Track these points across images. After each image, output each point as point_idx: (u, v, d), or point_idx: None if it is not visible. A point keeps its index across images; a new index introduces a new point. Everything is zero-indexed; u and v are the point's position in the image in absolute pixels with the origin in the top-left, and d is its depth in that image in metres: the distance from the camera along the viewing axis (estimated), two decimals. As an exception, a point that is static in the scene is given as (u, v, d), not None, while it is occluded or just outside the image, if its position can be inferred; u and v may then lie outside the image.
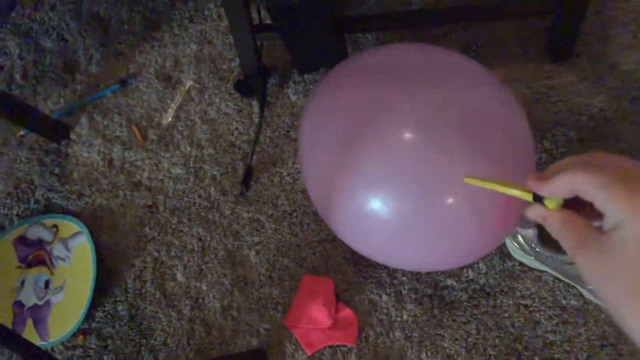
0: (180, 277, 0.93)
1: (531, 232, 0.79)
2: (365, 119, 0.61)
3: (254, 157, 0.98)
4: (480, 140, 0.59)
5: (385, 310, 0.87)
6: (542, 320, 0.83)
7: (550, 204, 0.38)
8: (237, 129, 1.01)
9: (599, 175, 0.34)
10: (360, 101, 0.63)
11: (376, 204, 0.60)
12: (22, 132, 1.07)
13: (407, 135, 0.59)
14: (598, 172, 0.34)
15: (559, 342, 0.82)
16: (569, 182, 0.36)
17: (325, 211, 0.70)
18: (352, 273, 0.89)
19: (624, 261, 0.32)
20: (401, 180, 0.59)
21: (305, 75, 1.03)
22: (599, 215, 0.35)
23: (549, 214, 0.38)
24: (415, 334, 0.85)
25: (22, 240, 0.99)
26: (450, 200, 0.59)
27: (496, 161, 0.59)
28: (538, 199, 0.39)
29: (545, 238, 0.79)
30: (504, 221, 0.63)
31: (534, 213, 0.40)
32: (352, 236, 0.69)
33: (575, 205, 0.38)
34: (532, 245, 0.80)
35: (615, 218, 0.33)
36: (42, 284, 0.96)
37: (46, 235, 0.98)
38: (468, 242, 0.64)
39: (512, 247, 0.84)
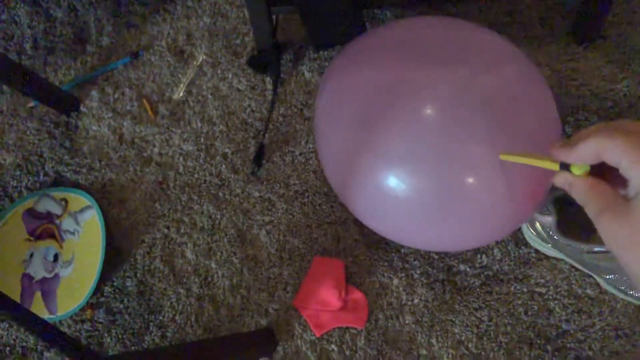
0: (189, 254, 0.92)
1: (549, 220, 0.77)
2: (385, 96, 0.59)
3: (266, 136, 0.96)
4: (505, 118, 0.57)
5: (395, 294, 0.85)
6: (556, 309, 0.82)
7: (577, 170, 0.39)
8: (249, 106, 0.99)
9: (624, 140, 0.34)
10: (379, 77, 0.60)
11: (397, 182, 0.59)
12: (31, 104, 1.06)
13: (430, 113, 0.57)
14: (623, 137, 0.34)
15: (572, 331, 0.81)
16: (595, 147, 0.36)
17: (342, 190, 0.68)
18: (364, 255, 0.88)
19: None
20: (423, 158, 0.58)
21: (321, 52, 1.00)
22: (624, 183, 0.35)
23: (575, 181, 0.39)
24: (426, 319, 0.84)
25: (31, 213, 0.98)
26: (473, 178, 0.57)
27: (522, 139, 0.57)
28: (565, 167, 0.40)
29: (564, 226, 0.77)
30: (529, 199, 0.62)
31: (561, 180, 0.40)
32: (371, 216, 0.67)
33: (601, 174, 0.38)
34: (550, 232, 0.78)
35: (639, 183, 0.33)
36: (51, 258, 0.95)
37: (55, 209, 0.97)
38: (490, 221, 0.62)
39: (529, 234, 0.82)
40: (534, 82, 0.62)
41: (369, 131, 0.59)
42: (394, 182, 0.59)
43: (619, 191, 0.37)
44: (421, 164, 0.58)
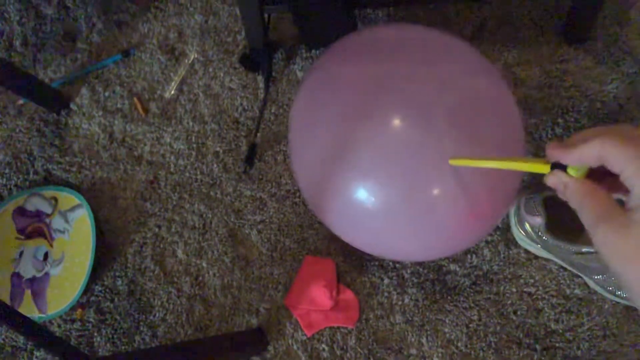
0: (180, 253, 0.92)
1: (539, 220, 0.77)
2: (353, 109, 0.59)
3: (258, 135, 0.96)
4: (471, 131, 0.57)
5: (386, 294, 0.86)
6: (545, 309, 0.83)
7: (575, 171, 0.37)
8: (241, 104, 0.99)
9: (631, 148, 0.32)
10: (348, 90, 0.60)
11: (365, 194, 0.59)
12: (21, 101, 1.05)
13: (398, 123, 0.57)
14: (630, 144, 0.33)
15: (561, 331, 0.81)
16: (598, 150, 0.34)
17: (313, 199, 0.68)
18: (355, 255, 0.88)
19: None
20: (390, 169, 0.58)
21: (313, 52, 1.00)
22: (620, 188, 0.34)
23: (571, 182, 0.37)
24: (416, 318, 0.84)
25: (20, 212, 0.98)
26: (441, 188, 0.57)
27: (486, 148, 0.57)
28: (559, 167, 0.38)
29: (553, 227, 0.77)
30: (495, 206, 0.62)
31: (555, 180, 0.38)
32: (340, 226, 0.67)
33: (595, 177, 0.36)
34: (540, 233, 0.78)
35: None
36: (40, 256, 0.95)
37: (45, 207, 0.97)
38: (459, 230, 0.63)
39: (519, 234, 0.83)
40: (501, 96, 0.62)
41: (339, 144, 0.59)
42: (362, 193, 0.59)
43: (613, 195, 0.36)
44: (387, 176, 0.58)
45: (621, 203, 0.34)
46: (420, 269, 0.86)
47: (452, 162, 0.54)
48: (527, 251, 0.84)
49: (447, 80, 0.58)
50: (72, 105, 1.03)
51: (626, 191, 0.34)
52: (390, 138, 0.57)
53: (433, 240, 0.63)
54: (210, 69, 1.02)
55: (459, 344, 0.83)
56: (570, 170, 0.37)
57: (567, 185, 0.37)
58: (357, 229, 0.64)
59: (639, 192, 0.32)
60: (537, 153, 0.89)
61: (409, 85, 0.57)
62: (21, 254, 0.96)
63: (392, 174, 0.57)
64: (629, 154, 0.32)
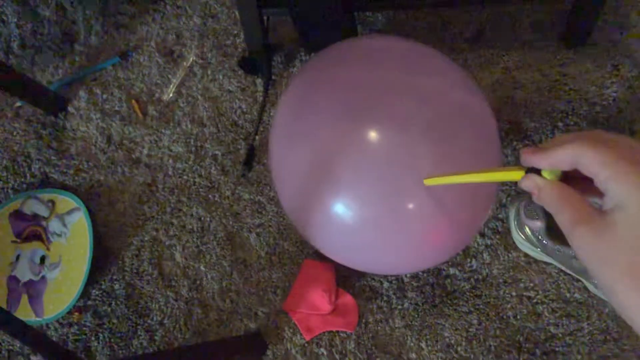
0: (178, 257, 0.92)
1: (539, 224, 0.77)
2: (333, 123, 0.59)
3: (257, 138, 0.96)
4: (448, 145, 0.57)
5: (386, 298, 0.85)
6: (545, 313, 0.82)
7: (549, 174, 0.37)
8: (240, 107, 0.99)
9: (605, 152, 0.33)
10: (330, 103, 0.60)
11: (344, 209, 0.59)
12: (18, 104, 1.04)
13: (376, 139, 0.57)
14: (604, 148, 0.33)
15: (560, 335, 0.81)
16: (573, 153, 0.34)
17: (294, 214, 0.68)
18: (354, 259, 0.88)
19: (623, 243, 0.31)
20: (368, 183, 0.58)
21: (312, 54, 1.00)
22: (594, 192, 0.34)
23: (545, 185, 0.37)
24: (416, 323, 0.84)
25: (17, 215, 0.97)
26: (419, 201, 0.57)
27: (464, 166, 0.57)
28: (533, 172, 0.38)
29: (553, 230, 0.77)
30: (473, 217, 0.62)
31: (529, 183, 0.38)
32: (320, 240, 0.67)
33: (569, 180, 0.37)
34: (539, 237, 0.78)
35: (617, 198, 0.32)
36: (37, 260, 0.94)
37: (42, 210, 0.96)
38: (439, 242, 0.63)
39: (518, 238, 0.83)
40: (478, 110, 0.62)
41: (319, 157, 0.59)
42: (342, 209, 0.59)
43: (587, 199, 0.36)
44: (368, 190, 0.58)
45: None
46: (420, 273, 0.86)
47: (427, 182, 0.54)
48: (526, 255, 0.84)
49: (426, 94, 0.58)
50: (69, 108, 1.03)
51: (600, 194, 0.34)
52: (369, 152, 0.57)
53: (415, 253, 0.63)
54: (209, 72, 1.02)
55: (459, 349, 0.82)
56: (544, 174, 0.37)
57: (542, 188, 0.37)
58: (337, 243, 0.64)
59: (614, 195, 0.32)
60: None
61: (389, 99, 0.57)
62: (18, 257, 0.95)
63: (370, 188, 0.57)
64: (603, 157, 0.33)
